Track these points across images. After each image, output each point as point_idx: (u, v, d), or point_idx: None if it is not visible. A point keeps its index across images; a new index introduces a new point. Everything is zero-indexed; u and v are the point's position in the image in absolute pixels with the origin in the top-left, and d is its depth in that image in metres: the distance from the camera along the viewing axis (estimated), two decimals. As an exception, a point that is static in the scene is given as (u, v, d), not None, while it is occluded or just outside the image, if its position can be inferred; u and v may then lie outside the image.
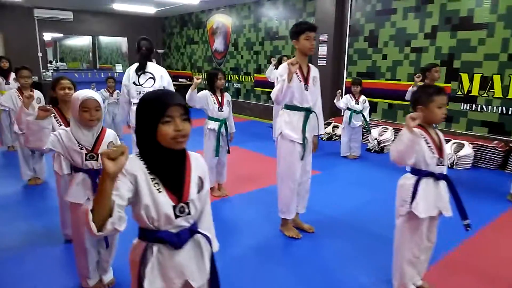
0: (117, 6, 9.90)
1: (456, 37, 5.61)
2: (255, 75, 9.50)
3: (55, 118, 2.72)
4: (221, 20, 10.29)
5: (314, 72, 3.03)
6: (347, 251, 2.89)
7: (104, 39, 12.30)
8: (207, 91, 3.85)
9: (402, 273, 2.16)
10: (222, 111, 3.85)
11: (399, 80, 6.42)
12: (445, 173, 2.06)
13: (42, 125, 2.07)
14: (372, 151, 6.03)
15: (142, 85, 3.74)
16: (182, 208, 1.27)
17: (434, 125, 2.16)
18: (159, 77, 3.82)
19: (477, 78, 5.44)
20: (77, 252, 2.32)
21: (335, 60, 7.25)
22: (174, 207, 1.25)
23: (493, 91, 5.30)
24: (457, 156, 5.11)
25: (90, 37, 11.89)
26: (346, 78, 7.31)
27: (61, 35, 11.34)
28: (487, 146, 5.12)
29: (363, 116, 5.53)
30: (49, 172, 4.30)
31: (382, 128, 6.22)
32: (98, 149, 2.19)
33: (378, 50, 6.71)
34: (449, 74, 5.72)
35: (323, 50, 7.26)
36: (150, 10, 10.52)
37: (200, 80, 3.92)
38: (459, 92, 5.65)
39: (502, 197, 4.02)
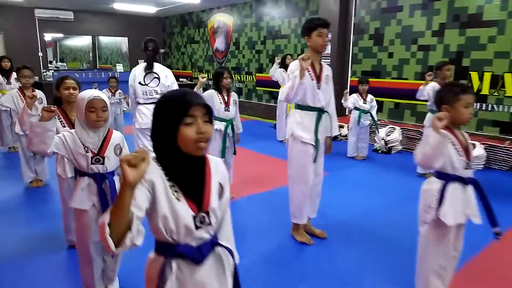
0: (118, 6, 9.81)
1: (465, 35, 5.50)
2: (257, 74, 9.39)
3: (59, 119, 2.60)
4: (222, 19, 10.18)
5: (327, 70, 2.92)
6: (363, 259, 2.75)
7: (104, 39, 12.19)
8: (213, 90, 3.74)
9: (427, 284, 2.03)
10: (229, 111, 3.74)
11: (406, 79, 6.31)
12: (472, 176, 1.95)
13: (46, 127, 1.95)
14: (380, 151, 5.92)
15: (148, 85, 3.76)
16: (203, 218, 1.15)
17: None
18: (163, 77, 3.82)
19: (487, 76, 5.33)
20: (81, 260, 2.21)
21: (339, 59, 7.14)
22: (194, 217, 1.14)
23: (504, 90, 5.19)
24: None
25: (90, 37, 11.80)
26: (350, 77, 7.20)
27: (61, 35, 11.25)
28: (499, 146, 5.00)
29: (371, 115, 5.42)
30: (51, 174, 4.18)
31: (389, 128, 6.10)
32: (104, 151, 2.08)
33: (383, 49, 6.60)
34: (458, 73, 5.61)
35: (327, 48, 7.13)
36: (150, 9, 10.42)
37: (205, 79, 3.85)
38: (469, 91, 5.53)
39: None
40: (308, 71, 2.73)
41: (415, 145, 5.87)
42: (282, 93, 2.77)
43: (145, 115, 3.76)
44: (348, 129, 5.80)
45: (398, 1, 6.28)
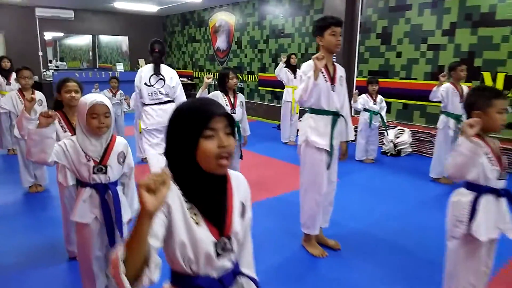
0: (119, 5, 9.65)
1: (477, 34, 5.34)
2: (259, 74, 9.23)
3: (59, 123, 2.46)
4: (224, 18, 10.02)
5: (341, 71, 2.77)
6: (381, 274, 2.58)
7: (104, 38, 12.04)
8: (218, 91, 3.60)
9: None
10: (235, 113, 3.60)
11: (415, 79, 6.14)
12: (505, 187, 1.80)
13: (44, 134, 1.80)
14: (388, 154, 5.76)
15: (153, 86, 3.74)
16: (225, 244, 1.01)
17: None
18: (169, 78, 3.79)
19: (500, 77, 5.17)
20: (84, 276, 2.07)
21: (345, 58, 6.96)
22: (216, 244, 0.99)
23: (518, 91, 5.04)
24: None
25: (90, 36, 11.64)
26: (356, 77, 7.05)
27: (61, 34, 11.10)
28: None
29: (381, 116, 5.27)
30: (51, 179, 4.03)
31: (399, 130, 5.93)
32: (107, 160, 1.93)
33: (391, 48, 6.44)
34: (470, 73, 5.41)
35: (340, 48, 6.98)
36: (152, 8, 10.25)
37: (210, 80, 3.74)
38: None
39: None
40: (322, 72, 2.58)
41: (425, 147, 5.72)
42: (295, 94, 2.61)
43: (151, 116, 3.74)
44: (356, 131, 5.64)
45: (407, 0, 6.12)
